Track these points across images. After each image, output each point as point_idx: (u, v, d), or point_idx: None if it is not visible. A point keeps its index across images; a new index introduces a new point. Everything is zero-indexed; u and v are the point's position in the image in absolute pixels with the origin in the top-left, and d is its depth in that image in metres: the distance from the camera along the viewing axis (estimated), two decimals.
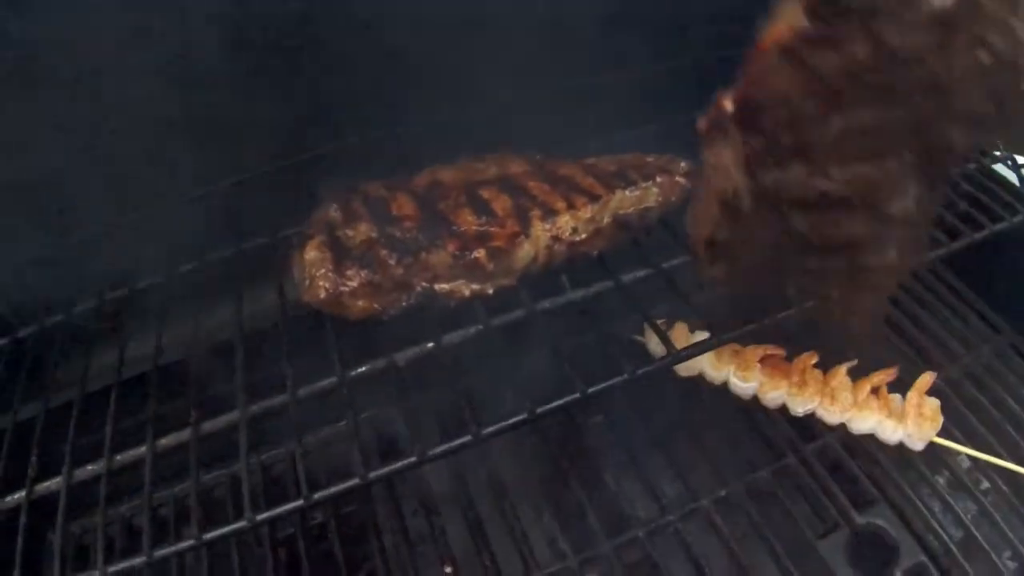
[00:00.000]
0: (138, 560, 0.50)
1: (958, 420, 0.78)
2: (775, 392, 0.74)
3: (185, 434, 0.54)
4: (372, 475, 0.52)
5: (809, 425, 0.75)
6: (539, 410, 0.53)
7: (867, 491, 0.73)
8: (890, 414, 0.74)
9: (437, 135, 0.69)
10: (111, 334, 0.61)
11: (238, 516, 0.49)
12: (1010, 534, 0.72)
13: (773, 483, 0.73)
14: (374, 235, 0.54)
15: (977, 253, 0.91)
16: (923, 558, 0.70)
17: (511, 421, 0.52)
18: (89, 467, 0.54)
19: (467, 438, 0.51)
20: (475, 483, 0.73)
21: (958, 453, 0.75)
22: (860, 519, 0.71)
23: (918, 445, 0.74)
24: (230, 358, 0.56)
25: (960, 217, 0.74)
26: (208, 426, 0.55)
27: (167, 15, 0.58)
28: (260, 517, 0.49)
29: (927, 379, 0.77)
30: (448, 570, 0.67)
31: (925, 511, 0.72)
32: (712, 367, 0.76)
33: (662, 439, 0.76)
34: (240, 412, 0.54)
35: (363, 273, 0.53)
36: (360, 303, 0.53)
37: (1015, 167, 0.81)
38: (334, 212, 0.56)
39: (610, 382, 0.54)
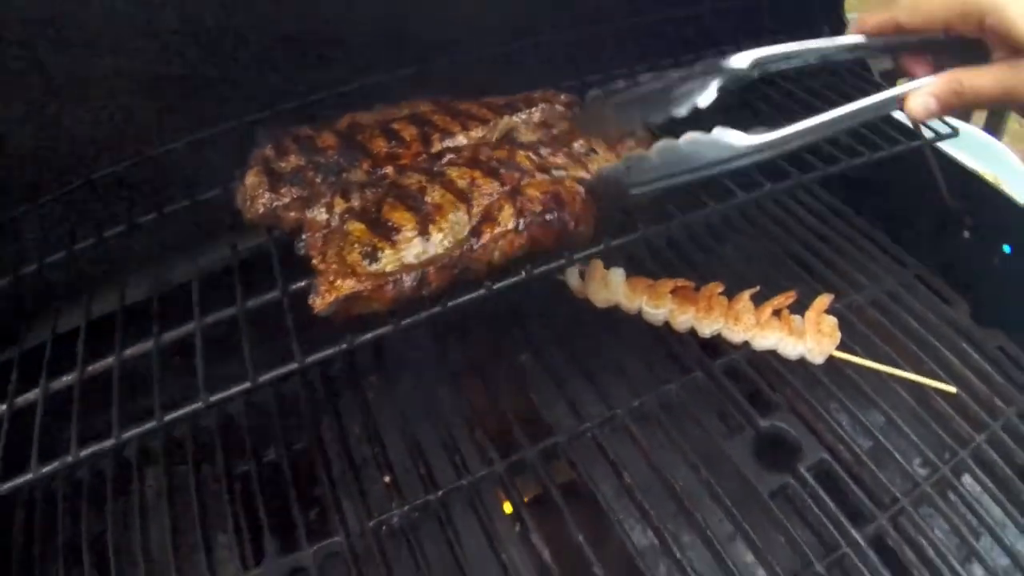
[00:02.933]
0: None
1: (861, 341, 0.92)
2: (683, 316, 0.89)
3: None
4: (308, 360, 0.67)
5: (716, 345, 0.91)
6: (450, 303, 0.69)
7: (770, 399, 0.87)
8: (790, 332, 0.89)
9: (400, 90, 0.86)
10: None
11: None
12: (919, 443, 0.86)
13: (683, 395, 0.87)
14: (302, 163, 0.72)
15: (879, 191, 1.10)
16: (824, 455, 0.84)
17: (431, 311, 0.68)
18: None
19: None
20: (413, 411, 0.88)
21: (858, 366, 0.91)
22: (763, 422, 0.85)
23: (818, 359, 0.88)
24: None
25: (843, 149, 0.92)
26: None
27: None
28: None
29: (824, 300, 0.93)
30: (387, 479, 0.82)
31: (825, 413, 0.86)
32: (626, 298, 0.92)
33: (583, 364, 0.90)
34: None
35: (293, 190, 0.70)
36: (292, 215, 0.69)
37: None
38: (269, 150, 0.74)
39: (511, 280, 0.70)
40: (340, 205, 0.70)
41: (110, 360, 0.66)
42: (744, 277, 0.96)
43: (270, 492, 0.82)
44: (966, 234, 1.03)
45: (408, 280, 0.64)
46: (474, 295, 0.67)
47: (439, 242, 0.66)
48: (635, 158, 0.66)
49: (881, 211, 1.12)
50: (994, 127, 1.64)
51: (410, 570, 0.75)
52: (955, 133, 0.92)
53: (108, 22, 0.76)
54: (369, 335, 0.66)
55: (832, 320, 0.91)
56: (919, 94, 0.69)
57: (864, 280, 1.01)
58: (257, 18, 0.83)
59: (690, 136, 0.65)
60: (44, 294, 0.77)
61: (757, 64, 0.69)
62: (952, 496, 0.83)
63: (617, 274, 0.93)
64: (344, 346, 0.66)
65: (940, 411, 0.89)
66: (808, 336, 0.88)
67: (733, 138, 0.65)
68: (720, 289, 0.92)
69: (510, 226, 0.67)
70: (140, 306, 0.72)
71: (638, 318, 0.92)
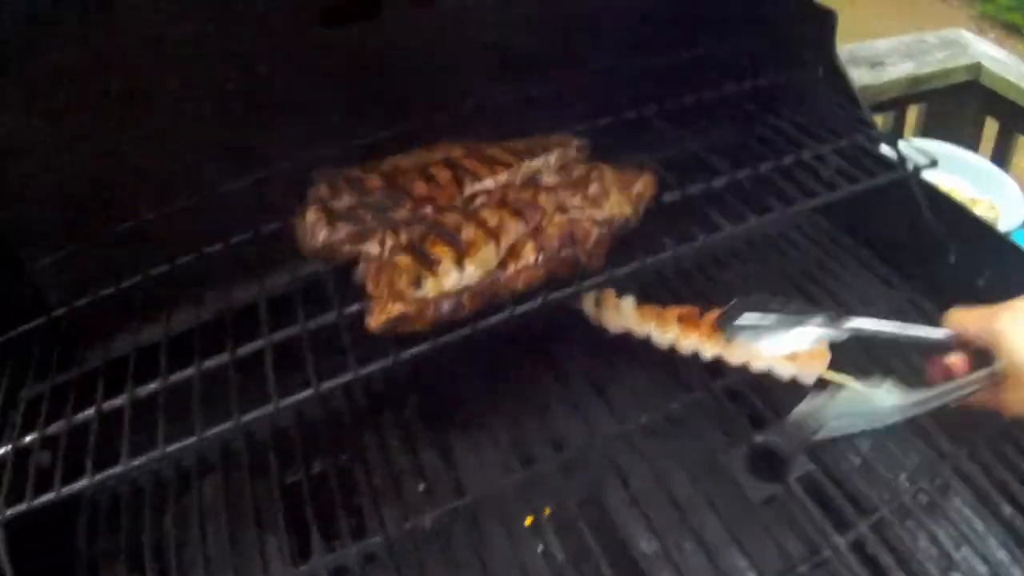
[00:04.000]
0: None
1: (853, 361, 1.00)
2: (687, 341, 1.01)
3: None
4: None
5: (719, 369, 1.03)
6: (480, 324, 0.82)
7: (762, 415, 0.99)
8: (784, 356, 0.99)
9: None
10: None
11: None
12: (902, 457, 0.97)
13: (685, 412, 0.99)
14: (354, 202, 0.86)
15: (873, 218, 1.22)
16: (812, 467, 0.95)
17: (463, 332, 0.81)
18: None
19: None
20: (448, 421, 1.02)
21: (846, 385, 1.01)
22: (757, 437, 0.97)
23: (808, 379, 0.98)
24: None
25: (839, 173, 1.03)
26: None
27: None
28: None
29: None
30: (421, 488, 0.95)
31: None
32: (637, 324, 1.04)
33: (597, 383, 1.04)
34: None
35: (348, 226, 0.84)
36: (347, 248, 0.83)
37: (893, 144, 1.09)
38: (324, 190, 0.88)
39: (529, 305, 0.83)
40: (390, 240, 0.84)
41: (191, 370, 0.80)
42: None
43: (317, 499, 0.94)
44: (952, 260, 1.15)
45: (446, 305, 0.78)
46: (500, 317, 0.80)
47: (472, 273, 0.80)
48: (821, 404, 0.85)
49: (875, 237, 1.24)
50: (1001, 157, 1.77)
51: (441, 567, 0.87)
52: (934, 163, 1.05)
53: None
54: (413, 349, 0.79)
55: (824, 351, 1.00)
56: None
57: (858, 304, 1.13)
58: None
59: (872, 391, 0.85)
60: (124, 314, 0.91)
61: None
62: (934, 509, 0.93)
63: (628, 302, 1.05)
64: (391, 359, 0.79)
65: (925, 427, 1.00)
66: (799, 359, 0.99)
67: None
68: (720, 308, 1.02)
69: (531, 260, 0.81)
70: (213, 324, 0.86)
71: (648, 342, 1.04)
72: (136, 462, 0.76)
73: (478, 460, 0.96)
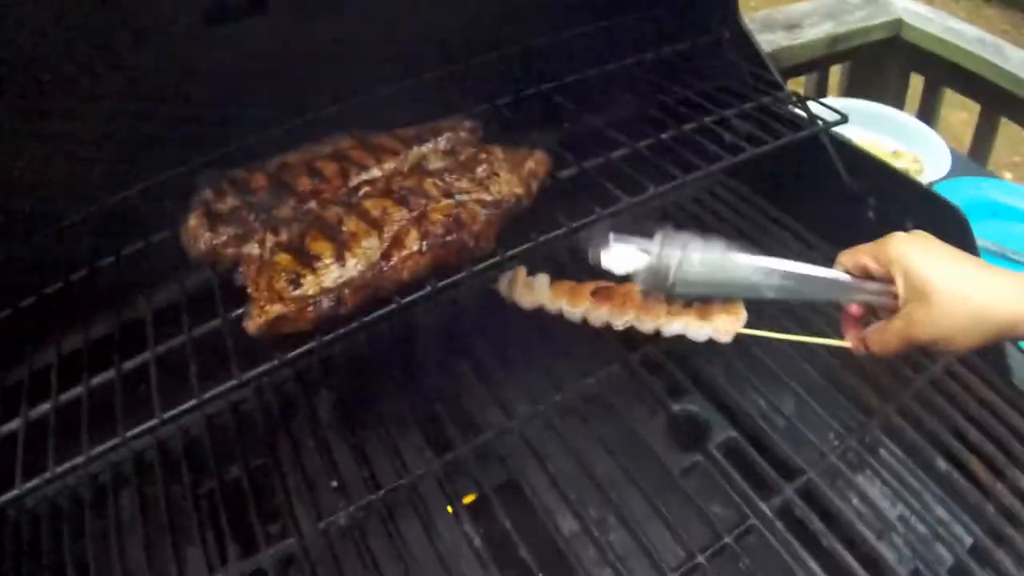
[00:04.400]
0: None
1: (769, 322, 1.00)
2: (597, 312, 1.00)
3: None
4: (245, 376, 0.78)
5: (634, 339, 1.02)
6: (365, 319, 0.80)
7: (681, 384, 0.99)
8: (698, 316, 0.97)
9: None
10: None
11: None
12: (828, 418, 0.95)
13: (601, 387, 0.99)
14: (238, 203, 0.84)
15: (788, 179, 1.21)
16: (733, 433, 0.95)
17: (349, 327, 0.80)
18: None
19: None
20: (361, 416, 1.01)
21: (767, 343, 0.99)
22: (675, 406, 0.97)
23: (725, 338, 0.96)
24: None
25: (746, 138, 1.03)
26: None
27: None
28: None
29: None
30: (334, 484, 0.93)
31: (736, 394, 0.98)
32: (549, 301, 1.04)
33: (510, 366, 1.03)
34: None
35: (230, 229, 0.82)
36: (230, 251, 0.81)
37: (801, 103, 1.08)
38: (208, 193, 0.86)
39: (417, 295, 0.82)
40: (271, 239, 0.82)
41: (79, 389, 0.78)
42: None
43: (231, 505, 0.93)
44: (871, 215, 1.14)
45: (326, 302, 0.76)
46: (385, 310, 0.79)
47: (353, 266, 0.78)
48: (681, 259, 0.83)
49: (793, 200, 1.24)
50: (928, 112, 1.77)
51: (359, 564, 0.86)
52: (844, 119, 1.05)
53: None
54: (294, 352, 0.78)
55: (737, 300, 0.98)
56: None
57: None
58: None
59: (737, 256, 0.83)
60: (15, 337, 0.89)
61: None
62: (865, 468, 0.93)
63: (542, 279, 1.05)
64: (275, 362, 0.78)
65: (850, 385, 1.00)
66: (715, 316, 0.97)
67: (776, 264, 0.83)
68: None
69: (414, 248, 0.79)
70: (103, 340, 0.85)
71: (562, 318, 1.03)
72: (29, 484, 0.75)
73: (392, 453, 0.95)
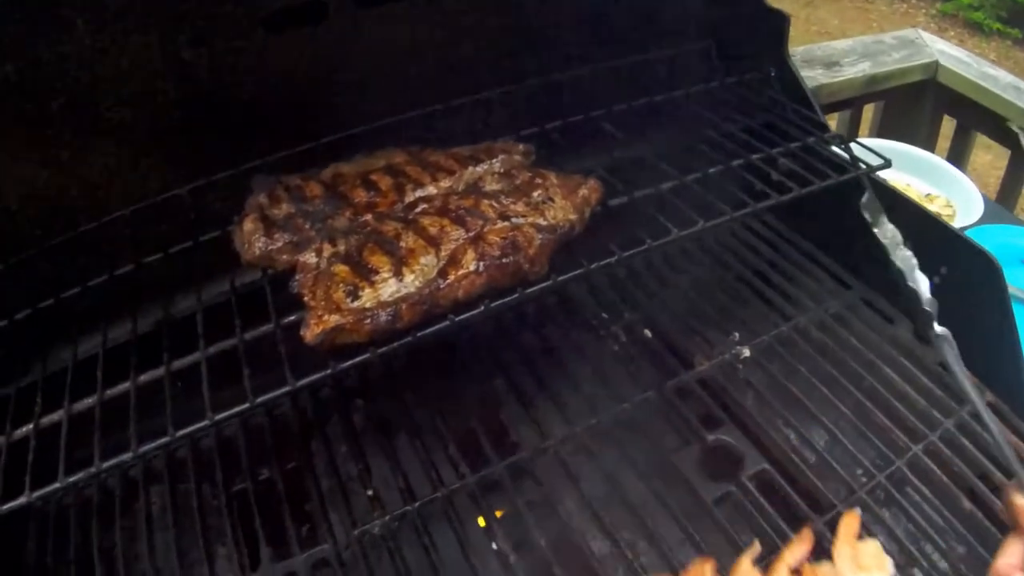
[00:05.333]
0: None
1: (807, 362, 1.04)
2: None
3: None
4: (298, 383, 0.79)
5: (670, 368, 1.04)
6: (419, 334, 0.82)
7: (714, 414, 1.00)
8: None
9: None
10: None
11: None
12: (858, 455, 0.97)
13: (636, 412, 1.00)
14: (293, 210, 0.86)
15: (826, 218, 1.23)
16: (766, 465, 0.96)
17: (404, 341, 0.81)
18: None
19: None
20: (396, 426, 1.02)
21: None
22: (710, 436, 0.98)
23: None
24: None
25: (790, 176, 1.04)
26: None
27: None
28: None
29: (852, 520, 0.80)
30: (370, 493, 0.94)
31: (768, 428, 0.99)
32: None
33: (547, 386, 1.04)
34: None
35: (285, 235, 0.84)
36: (285, 257, 0.83)
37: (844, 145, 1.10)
38: (263, 198, 0.88)
39: (471, 314, 0.83)
40: (328, 250, 0.84)
41: (127, 385, 0.79)
42: (696, 307, 1.10)
43: (264, 506, 0.94)
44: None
45: (383, 315, 0.77)
46: (440, 327, 0.80)
47: (411, 282, 0.80)
48: None
49: (828, 238, 1.25)
50: (958, 155, 1.79)
51: (392, 572, 0.87)
52: (888, 164, 1.06)
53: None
54: (350, 362, 0.79)
55: (875, 545, 0.79)
56: None
57: (811, 303, 1.14)
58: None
59: None
60: (62, 326, 0.90)
61: None
62: (892, 504, 0.95)
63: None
64: (329, 371, 0.79)
65: (880, 425, 1.01)
66: None
67: None
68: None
69: (471, 268, 0.81)
70: (151, 337, 0.86)
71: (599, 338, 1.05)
72: (72, 479, 0.76)
73: (427, 465, 0.96)
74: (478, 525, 0.92)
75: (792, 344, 1.06)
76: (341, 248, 0.84)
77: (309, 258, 0.83)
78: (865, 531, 0.88)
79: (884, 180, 1.16)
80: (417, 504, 0.92)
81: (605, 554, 0.90)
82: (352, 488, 0.95)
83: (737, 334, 1.08)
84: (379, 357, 0.79)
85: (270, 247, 0.83)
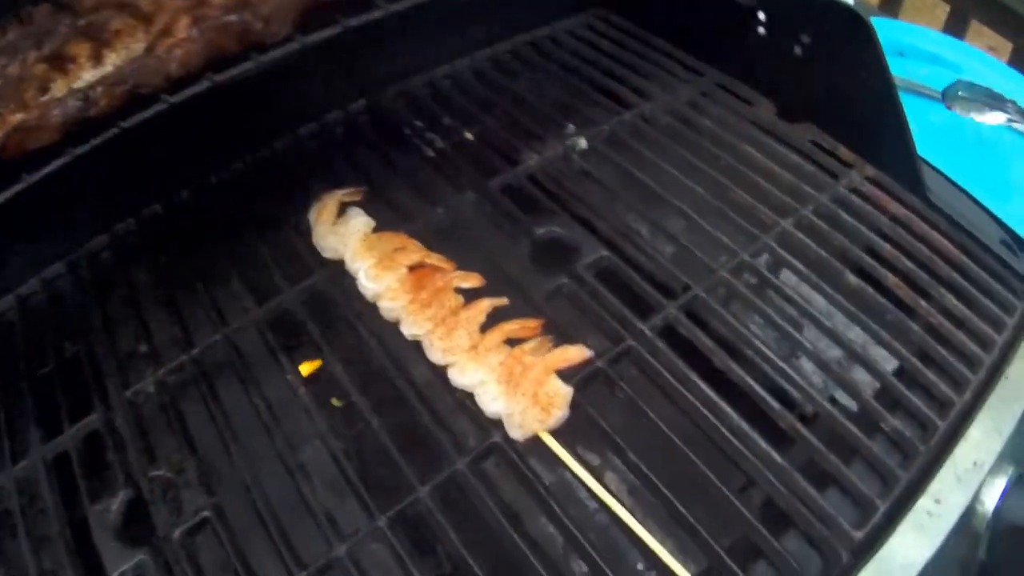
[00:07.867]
0: None
1: (654, 148, 0.94)
2: (390, 303, 0.78)
3: None
4: None
5: (493, 167, 0.91)
6: (124, 123, 0.68)
7: (547, 206, 0.88)
8: (500, 378, 0.70)
9: None
10: None
11: None
12: (718, 234, 0.85)
13: (456, 216, 0.89)
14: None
15: (669, 5, 1.11)
16: (604, 252, 0.84)
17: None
18: None
19: None
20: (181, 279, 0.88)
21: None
22: (540, 230, 0.86)
23: (516, 432, 0.69)
24: None
25: None
26: None
27: None
28: None
29: (569, 353, 0.73)
30: (144, 349, 0.82)
31: (606, 211, 0.87)
32: (350, 256, 0.81)
33: None
34: None
35: None
36: None
37: None
38: None
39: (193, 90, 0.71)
40: (32, 56, 0.70)
41: None
42: (528, 107, 0.97)
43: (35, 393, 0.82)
44: (761, 31, 1.04)
45: (73, 102, 0.65)
46: (151, 111, 0.67)
47: (111, 63, 0.67)
48: None
49: (674, 25, 1.13)
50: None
51: (166, 430, 0.76)
52: None
53: None
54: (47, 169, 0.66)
55: (563, 392, 0.70)
56: None
57: (659, 92, 1.03)
58: None
59: None
60: None
61: None
62: (766, 288, 0.83)
63: (356, 222, 0.84)
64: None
65: (744, 204, 0.90)
66: (519, 395, 0.70)
67: None
68: (468, 283, 0.80)
69: (184, 35, 0.67)
70: None
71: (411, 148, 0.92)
72: None
73: (211, 311, 0.83)
74: (271, 369, 0.79)
75: (639, 133, 0.94)
76: (47, 51, 0.70)
77: (13, 70, 0.70)
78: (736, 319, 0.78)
79: None
80: (195, 352, 0.79)
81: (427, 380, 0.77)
82: (128, 349, 0.83)
83: (572, 126, 0.96)
84: (76, 159, 0.66)
85: None
